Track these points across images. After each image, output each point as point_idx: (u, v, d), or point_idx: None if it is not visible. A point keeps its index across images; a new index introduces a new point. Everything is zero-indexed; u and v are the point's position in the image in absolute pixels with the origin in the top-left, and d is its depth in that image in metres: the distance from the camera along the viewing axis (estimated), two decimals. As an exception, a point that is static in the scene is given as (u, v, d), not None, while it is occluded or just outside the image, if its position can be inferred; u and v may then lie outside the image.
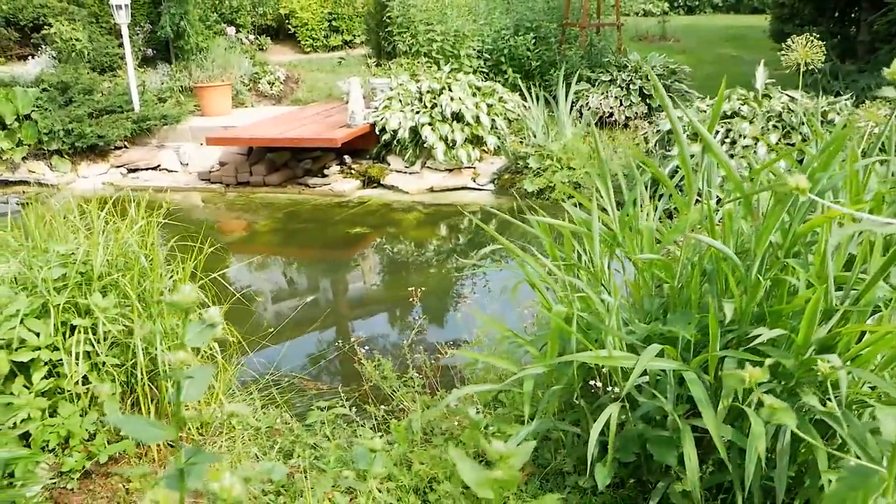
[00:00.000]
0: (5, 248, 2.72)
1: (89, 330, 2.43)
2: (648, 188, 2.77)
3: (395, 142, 8.00)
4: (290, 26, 13.44)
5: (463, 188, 7.83)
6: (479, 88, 8.28)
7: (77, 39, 9.50)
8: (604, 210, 2.52)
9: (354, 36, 13.63)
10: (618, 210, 2.46)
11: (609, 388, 2.03)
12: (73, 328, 2.46)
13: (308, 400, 3.31)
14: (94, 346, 2.43)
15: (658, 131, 6.22)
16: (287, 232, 7.15)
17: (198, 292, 0.90)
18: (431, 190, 7.79)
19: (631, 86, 9.13)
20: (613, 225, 2.37)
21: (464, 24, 9.38)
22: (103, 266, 2.54)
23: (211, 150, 8.89)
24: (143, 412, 2.55)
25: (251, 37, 11.40)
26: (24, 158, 8.68)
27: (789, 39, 3.11)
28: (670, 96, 9.27)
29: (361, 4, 13.55)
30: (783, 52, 3.10)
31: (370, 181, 8.09)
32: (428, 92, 7.96)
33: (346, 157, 8.35)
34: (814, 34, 3.26)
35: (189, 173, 8.79)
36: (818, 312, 1.74)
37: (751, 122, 5.44)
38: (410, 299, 3.84)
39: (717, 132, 5.52)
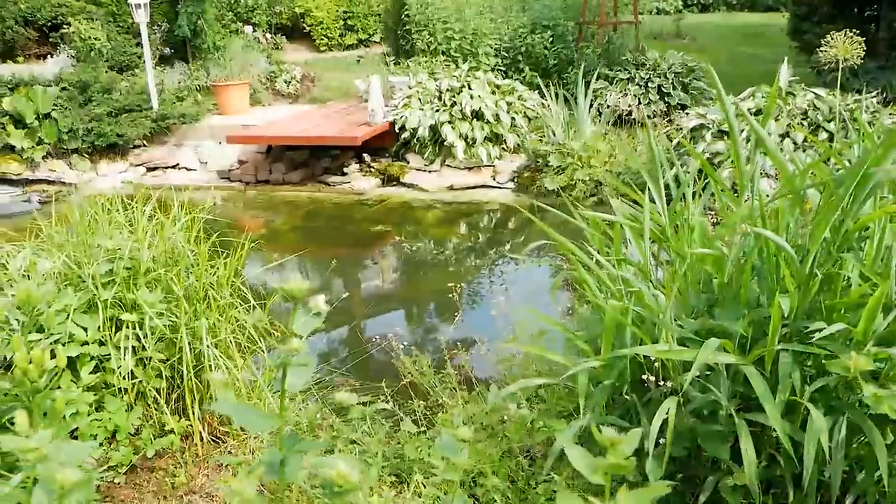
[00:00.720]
0: (50, 243, 2.73)
1: (136, 325, 2.45)
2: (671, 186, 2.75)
3: (414, 140, 8.00)
4: (305, 25, 13.47)
5: (483, 186, 7.83)
6: (498, 86, 8.28)
7: (96, 38, 9.54)
8: (634, 203, 2.52)
9: (370, 34, 13.64)
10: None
11: (661, 383, 2.02)
12: (119, 323, 2.47)
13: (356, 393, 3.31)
14: (140, 342, 2.44)
15: (680, 129, 6.20)
16: (309, 230, 7.17)
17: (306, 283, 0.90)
18: (451, 188, 7.80)
19: (649, 84, 9.10)
20: (662, 219, 2.36)
21: (481, 23, 9.37)
22: (149, 261, 2.55)
23: (230, 149, 8.91)
24: (188, 407, 2.56)
25: (268, 35, 11.41)
26: (44, 157, 8.72)
27: (828, 36, 3.08)
28: (689, 94, 9.30)
29: (377, 3, 13.57)
30: (822, 48, 3.07)
31: (390, 179, 8.10)
32: (447, 90, 7.96)
33: (365, 155, 8.36)
34: (832, 31, 3.23)
35: (208, 172, 8.82)
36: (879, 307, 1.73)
37: (776, 120, 5.42)
38: (443, 295, 3.85)
39: (742, 130, 5.49)
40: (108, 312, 2.44)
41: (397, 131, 8.11)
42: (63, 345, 2.34)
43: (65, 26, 9.92)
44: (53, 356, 1.27)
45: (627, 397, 2.15)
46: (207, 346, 2.48)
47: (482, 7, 9.76)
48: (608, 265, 2.29)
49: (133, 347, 2.43)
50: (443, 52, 9.19)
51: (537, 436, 2.20)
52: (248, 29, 11.13)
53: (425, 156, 8.00)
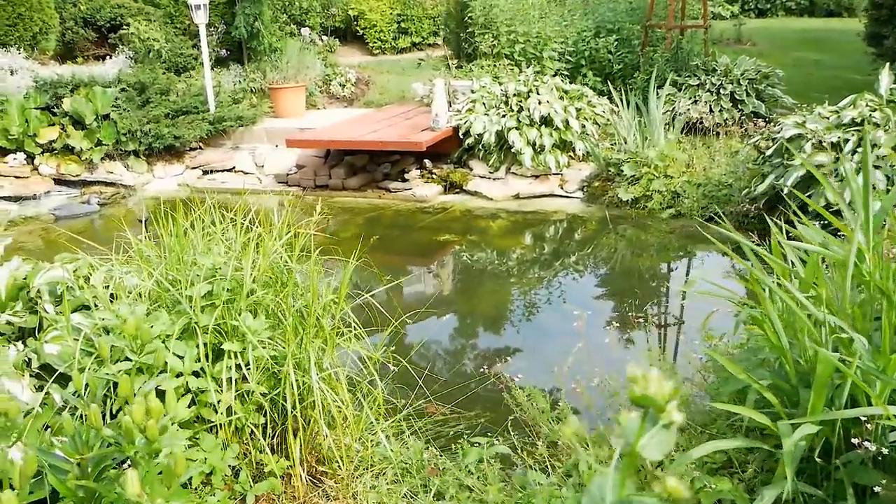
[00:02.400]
0: (141, 258, 2.51)
1: (237, 355, 2.19)
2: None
3: (479, 146, 7.73)
4: (358, 28, 13.29)
5: (550, 195, 7.52)
6: (566, 91, 7.97)
7: (155, 39, 9.45)
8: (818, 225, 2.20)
9: (423, 38, 13.42)
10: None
11: (866, 445, 1.71)
12: (217, 352, 2.22)
13: (436, 426, 3.04)
14: (242, 372, 2.18)
15: (773, 138, 5.82)
16: (371, 238, 6.92)
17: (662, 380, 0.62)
18: (517, 196, 7.50)
19: (721, 90, 8.71)
20: (863, 248, 2.03)
21: (545, 26, 9.07)
22: (251, 282, 2.29)
23: (287, 153, 8.73)
24: (289, 446, 2.30)
25: (324, 38, 11.24)
26: (102, 159, 8.62)
27: None
28: (762, 101, 8.87)
29: (431, 6, 13.35)
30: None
31: (452, 186, 7.83)
32: (515, 95, 7.67)
33: (426, 160, 8.10)
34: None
35: (265, 175, 8.64)
36: None
37: (885, 131, 5.03)
38: (541, 316, 3.55)
39: (847, 140, 5.11)
40: (206, 339, 2.19)
41: (461, 137, 7.84)
42: (150, 374, 2.10)
43: (125, 27, 9.84)
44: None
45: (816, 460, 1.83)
46: (316, 380, 2.21)
47: (545, 10, 9.46)
48: (809, 304, 1.96)
49: (231, 379, 2.18)
50: (506, 56, 8.90)
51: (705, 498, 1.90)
52: (305, 31, 10.96)
53: (490, 163, 7.71)
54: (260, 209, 3.00)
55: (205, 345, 2.21)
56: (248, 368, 2.20)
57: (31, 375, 2.30)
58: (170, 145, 8.80)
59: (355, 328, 2.54)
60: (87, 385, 2.18)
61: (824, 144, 5.23)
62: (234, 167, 8.90)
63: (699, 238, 6.29)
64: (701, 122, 8.42)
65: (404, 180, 7.97)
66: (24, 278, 2.60)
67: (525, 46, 8.83)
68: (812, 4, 21.31)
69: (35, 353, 2.32)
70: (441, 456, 2.49)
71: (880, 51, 10.49)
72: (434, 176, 7.98)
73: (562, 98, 7.83)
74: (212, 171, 8.90)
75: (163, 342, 2.10)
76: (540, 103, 7.53)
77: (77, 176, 8.55)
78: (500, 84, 8.04)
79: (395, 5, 13.13)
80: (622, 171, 7.09)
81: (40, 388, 2.36)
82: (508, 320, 5.05)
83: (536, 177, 7.63)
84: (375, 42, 13.19)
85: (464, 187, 7.76)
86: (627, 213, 6.95)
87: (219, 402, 2.13)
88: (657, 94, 8.09)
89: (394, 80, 11.42)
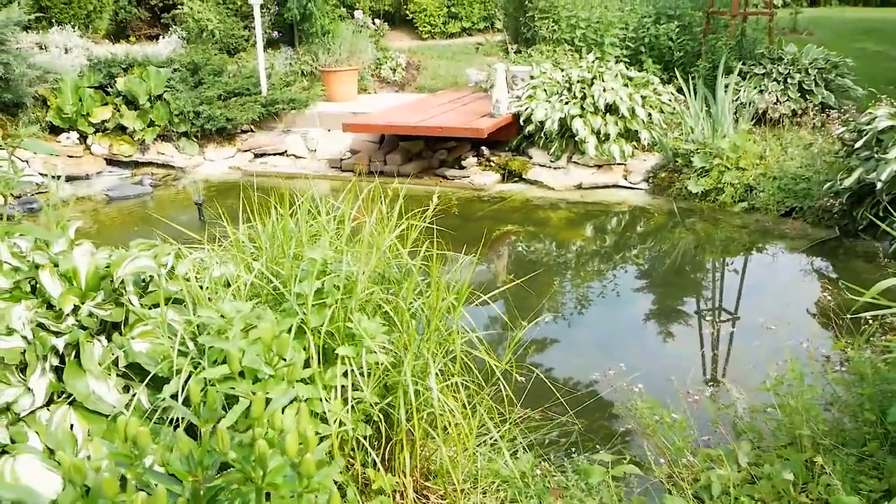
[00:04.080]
0: (239, 249, 2.34)
1: (351, 360, 2.00)
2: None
3: (540, 134, 7.49)
4: (407, 12, 13.08)
5: (614, 186, 7.27)
6: (630, 79, 7.69)
7: (209, 19, 9.32)
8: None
9: (473, 23, 13.17)
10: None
11: None
12: (323, 355, 2.04)
13: (528, 432, 2.84)
14: (356, 378, 2.00)
15: (859, 130, 5.50)
16: (430, 228, 6.73)
17: None
18: (580, 187, 7.26)
19: (789, 80, 8.35)
20: None
21: (607, 11, 8.78)
22: (365, 279, 2.11)
23: (339, 137, 8.57)
24: (399, 460, 2.11)
25: (377, 21, 11.04)
26: (154, 140, 8.53)
27: None
28: (830, 91, 8.48)
29: (482, -11, 13.09)
30: None
31: (510, 175, 7.61)
32: (578, 81, 7.41)
33: (483, 148, 7.89)
34: None
35: (318, 160, 8.49)
36: None
37: None
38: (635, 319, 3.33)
39: (949, 134, 4.81)
40: (315, 342, 2.00)
41: (522, 124, 7.61)
42: (253, 382, 1.92)
43: (179, 6, 9.73)
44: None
45: None
46: (436, 390, 2.02)
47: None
48: None
49: (344, 387, 1.99)
50: (566, 41, 8.63)
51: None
52: (358, 14, 10.76)
53: (551, 151, 7.47)
54: (347, 195, 2.81)
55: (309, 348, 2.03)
56: (360, 375, 2.01)
57: (117, 375, 2.14)
58: (222, 127, 8.69)
59: (472, 332, 2.34)
60: (184, 389, 2.01)
61: (922, 138, 4.92)
62: (285, 151, 8.77)
63: (777, 234, 6.01)
64: (767, 113, 8.09)
65: (461, 167, 7.77)
66: (107, 266, 2.45)
67: (586, 32, 8.55)
68: (868, -7, 20.69)
69: (122, 349, 2.16)
70: (556, 472, 2.29)
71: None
72: (492, 164, 7.76)
73: (626, 85, 7.56)
74: (263, 155, 8.78)
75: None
76: (605, 90, 7.27)
77: (129, 157, 8.48)
78: (562, 70, 7.79)
79: (447, -11, 12.90)
80: (691, 162, 6.81)
81: (126, 389, 2.21)
82: (599, 323, 4.82)
83: (599, 166, 7.38)
84: (425, 26, 12.97)
85: (523, 176, 7.54)
86: (696, 205, 6.68)
87: (328, 411, 1.94)
88: (719, 82, 7.78)
89: (444, 66, 11.19)
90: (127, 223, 6.95)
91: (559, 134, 7.39)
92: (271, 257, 2.24)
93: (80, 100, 8.35)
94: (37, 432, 1.98)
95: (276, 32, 10.35)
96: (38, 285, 2.43)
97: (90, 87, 8.46)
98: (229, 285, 2.36)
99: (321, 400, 1.92)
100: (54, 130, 8.35)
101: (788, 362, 2.74)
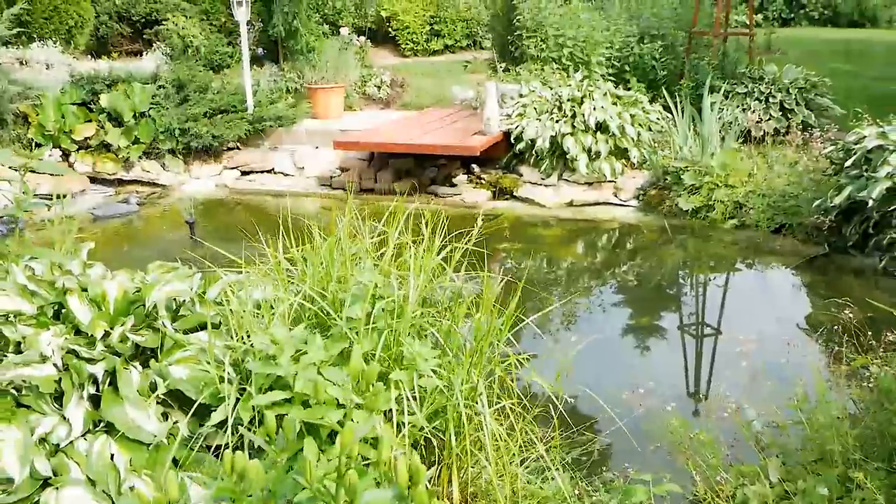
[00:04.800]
0: (279, 271, 2.30)
1: (403, 385, 1.97)
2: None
3: (531, 152, 7.52)
4: (390, 29, 13.11)
5: (604, 203, 7.32)
6: (619, 97, 7.77)
7: (194, 36, 9.25)
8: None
9: (456, 41, 13.23)
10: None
11: None
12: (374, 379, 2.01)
13: (568, 452, 2.82)
14: (408, 403, 1.97)
15: (851, 150, 5.60)
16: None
17: None
18: (571, 204, 7.30)
19: (770, 99, 8.50)
20: None
21: (593, 30, 8.87)
22: (414, 303, 2.08)
23: (327, 155, 8.54)
24: (448, 484, 2.08)
25: (361, 38, 11.05)
26: (139, 157, 8.42)
27: None
28: (810, 110, 8.63)
29: (465, 8, 13.16)
30: None
31: (501, 192, 7.63)
32: (569, 100, 7.46)
33: (473, 165, 7.91)
34: None
35: (306, 178, 8.44)
36: None
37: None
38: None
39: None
40: (363, 366, 1.97)
41: (512, 142, 7.64)
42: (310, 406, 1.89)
43: (163, 21, 9.64)
44: None
45: None
46: (486, 413, 2.00)
47: (593, 15, 9.26)
48: None
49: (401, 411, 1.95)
50: (553, 60, 8.70)
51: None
52: (344, 31, 10.76)
53: (542, 169, 7.51)
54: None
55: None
56: (413, 399, 1.98)
57: (157, 402, 2.08)
58: (208, 145, 8.61)
59: (519, 355, 2.33)
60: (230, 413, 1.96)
61: (913, 157, 5.03)
62: (272, 168, 8.71)
63: (768, 251, 6.09)
64: (750, 132, 8.20)
65: (452, 185, 7.78)
66: (136, 291, 2.40)
67: (573, 51, 8.63)
68: (836, 14, 21.15)
69: (160, 376, 2.11)
70: (593, 492, 2.28)
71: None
72: (482, 181, 7.78)
73: (615, 104, 7.64)
74: (250, 172, 8.71)
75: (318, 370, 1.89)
76: (595, 109, 7.33)
77: (113, 174, 8.37)
78: (551, 88, 7.85)
79: (429, 7, 12.94)
80: (681, 179, 6.89)
81: (164, 416, 2.15)
82: (606, 341, 4.82)
83: (590, 184, 7.43)
84: (407, 44, 13.00)
85: (514, 193, 7.56)
86: (687, 222, 6.75)
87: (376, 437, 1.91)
88: (702, 100, 7.90)
89: (429, 83, 11.21)
90: (115, 242, 6.83)
91: (550, 152, 7.43)
92: (315, 280, 2.21)
93: (63, 116, 8.23)
94: (77, 463, 1.93)
95: (260, 49, 10.31)
96: (63, 311, 2.38)
97: (73, 104, 8.34)
98: (260, 308, 2.33)
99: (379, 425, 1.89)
100: (36, 148, 8.20)
101: (802, 379, 2.77)
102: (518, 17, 8.75)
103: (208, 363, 2.05)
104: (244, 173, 8.75)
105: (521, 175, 7.74)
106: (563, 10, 8.85)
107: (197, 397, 2.04)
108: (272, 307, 2.22)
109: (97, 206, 7.69)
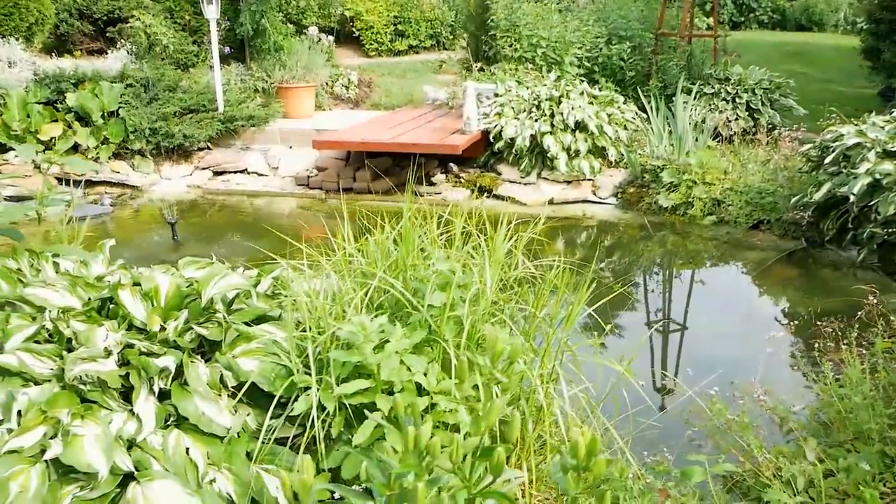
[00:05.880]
0: (345, 263, 2.29)
1: (485, 369, 1.98)
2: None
3: (509, 150, 7.59)
4: (354, 29, 13.04)
5: (584, 201, 7.43)
6: (595, 97, 7.89)
7: (163, 34, 9.07)
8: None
9: (420, 41, 13.24)
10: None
11: None
12: (443, 366, 2.02)
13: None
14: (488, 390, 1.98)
15: (829, 147, 5.79)
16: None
17: None
18: (551, 202, 7.38)
19: (737, 99, 8.74)
20: None
21: (565, 31, 8.99)
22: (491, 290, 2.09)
23: (303, 154, 8.47)
24: (513, 468, 2.11)
25: (330, 38, 10.98)
26: (109, 157, 8.22)
27: None
28: (775, 111, 8.90)
29: (429, 9, 13.19)
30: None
31: (480, 191, 7.67)
32: (547, 99, 7.55)
33: (451, 164, 7.94)
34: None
35: (282, 177, 8.35)
36: None
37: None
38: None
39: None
40: (440, 355, 1.98)
41: (491, 140, 7.70)
42: (376, 389, 1.88)
43: (130, 20, 9.42)
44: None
45: None
46: (567, 398, 2.02)
47: (564, 16, 9.39)
48: None
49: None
50: (527, 60, 8.79)
51: None
52: (313, 30, 10.68)
53: (521, 167, 7.58)
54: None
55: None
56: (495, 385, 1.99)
57: (228, 396, 2.06)
58: (179, 144, 8.45)
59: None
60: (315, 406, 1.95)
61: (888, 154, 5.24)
62: (245, 169, 8.59)
63: (747, 246, 6.27)
64: (718, 131, 8.42)
65: (431, 184, 7.79)
66: (189, 286, 2.36)
67: (546, 51, 8.73)
68: (783, 19, 21.81)
69: (228, 369, 2.08)
70: (646, 474, 2.32)
71: (876, 64, 10.72)
72: (461, 180, 7.82)
73: (591, 103, 7.75)
74: (223, 173, 8.57)
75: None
76: (573, 108, 7.44)
77: (82, 175, 8.13)
78: (528, 88, 7.93)
79: (393, 7, 12.92)
80: (659, 177, 7.03)
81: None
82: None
83: (569, 182, 7.53)
84: (372, 44, 12.96)
85: (494, 192, 7.61)
86: (667, 219, 6.89)
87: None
88: (672, 101, 8.09)
89: (396, 83, 11.21)
90: (93, 244, 6.65)
91: (529, 150, 7.51)
92: (388, 270, 2.21)
93: (28, 116, 7.98)
94: (154, 458, 1.89)
95: (227, 48, 10.15)
96: (111, 306, 2.33)
97: (38, 103, 8.10)
98: (334, 299, 2.31)
99: (463, 412, 1.90)
100: (2, 149, 7.94)
101: (820, 366, 2.88)
102: (492, 18, 8.81)
103: (275, 354, 2.03)
104: (217, 173, 8.60)
105: (499, 174, 7.80)
106: (536, 11, 8.95)
107: (269, 389, 2.02)
108: (338, 298, 2.20)
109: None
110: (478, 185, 7.70)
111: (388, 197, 7.66)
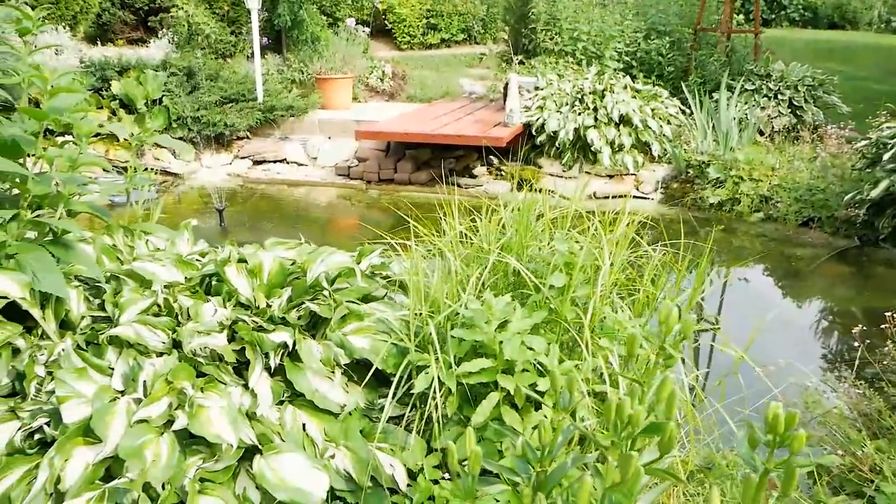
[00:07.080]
0: (455, 242, 2.29)
1: (607, 355, 1.98)
2: None
3: (551, 144, 7.57)
4: (387, 22, 13.05)
5: (626, 196, 7.38)
6: (638, 91, 7.85)
7: (205, 23, 9.11)
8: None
9: (452, 34, 13.23)
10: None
11: None
12: (569, 349, 2.01)
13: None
14: (610, 370, 1.98)
15: (882, 143, 5.74)
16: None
17: None
18: (593, 196, 7.36)
19: (780, 96, 8.66)
20: None
21: (606, 25, 8.95)
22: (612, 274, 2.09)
23: (343, 144, 8.49)
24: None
25: (366, 29, 10.99)
26: (151, 145, 8.27)
27: None
28: (818, 108, 8.81)
29: (461, 2, 13.17)
30: None
31: (521, 184, 7.65)
32: (590, 93, 7.52)
33: (491, 157, 7.92)
34: None
35: (321, 167, 8.38)
36: None
37: None
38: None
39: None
40: (562, 336, 1.97)
41: (534, 134, 7.68)
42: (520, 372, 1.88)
43: (171, 10, 9.46)
44: None
45: None
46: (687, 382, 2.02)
47: (604, 11, 9.35)
48: None
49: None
50: (567, 54, 8.76)
51: None
52: (350, 21, 10.69)
53: (563, 161, 7.56)
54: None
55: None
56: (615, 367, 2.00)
57: (342, 373, 2.06)
58: (219, 133, 8.50)
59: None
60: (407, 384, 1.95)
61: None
62: (285, 158, 8.62)
63: (799, 243, 6.21)
64: (760, 128, 8.35)
65: (473, 176, 7.79)
66: (293, 264, 2.37)
67: (587, 45, 8.69)
68: (815, 16, 21.58)
69: (340, 346, 2.08)
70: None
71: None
72: (502, 173, 7.80)
73: (634, 97, 7.71)
74: (263, 162, 8.61)
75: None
76: (617, 102, 7.40)
77: (125, 162, 8.19)
78: (570, 82, 7.90)
79: (426, 1, 12.92)
80: (705, 172, 6.99)
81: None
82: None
83: (611, 176, 7.50)
84: (404, 37, 12.96)
85: (534, 185, 7.58)
86: (712, 215, 6.84)
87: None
88: (712, 97, 8.03)
89: (430, 76, 11.21)
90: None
91: (572, 144, 7.48)
92: (504, 249, 2.21)
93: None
94: (274, 432, 1.90)
95: (265, 39, 10.19)
96: (213, 282, 2.34)
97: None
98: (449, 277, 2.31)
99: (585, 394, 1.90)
100: (48, 134, 7.99)
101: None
102: (532, 10, 8.78)
103: (387, 333, 2.03)
104: (256, 163, 8.64)
105: (539, 167, 7.77)
106: (576, 4, 8.91)
107: (382, 367, 2.02)
108: (451, 278, 2.21)
109: (114, 193, 7.53)
110: (519, 177, 7.68)
111: (428, 188, 7.67)
